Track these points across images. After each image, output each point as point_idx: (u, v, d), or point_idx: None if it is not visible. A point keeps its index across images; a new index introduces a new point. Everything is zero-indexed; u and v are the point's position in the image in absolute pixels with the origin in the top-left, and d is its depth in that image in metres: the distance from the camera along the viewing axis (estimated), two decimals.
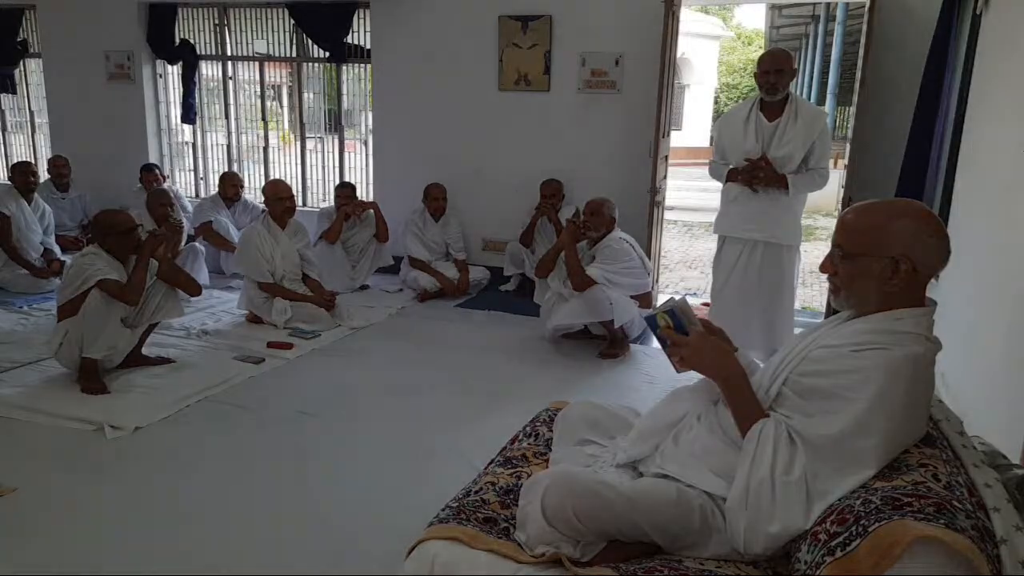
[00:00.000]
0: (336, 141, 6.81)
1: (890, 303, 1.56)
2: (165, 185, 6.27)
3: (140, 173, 6.20)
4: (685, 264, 8.10)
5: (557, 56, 5.41)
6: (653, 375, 3.85)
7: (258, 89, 7.08)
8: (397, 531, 2.04)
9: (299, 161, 6.90)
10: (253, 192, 6.76)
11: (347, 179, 6.39)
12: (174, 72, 7.00)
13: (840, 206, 5.42)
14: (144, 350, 3.76)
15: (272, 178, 6.09)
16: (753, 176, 3.81)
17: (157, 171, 6.29)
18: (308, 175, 6.92)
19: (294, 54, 6.73)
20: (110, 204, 4.86)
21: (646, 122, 4.99)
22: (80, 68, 6.90)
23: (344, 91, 6.70)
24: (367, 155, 6.58)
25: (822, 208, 11.32)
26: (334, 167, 6.80)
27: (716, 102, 24.71)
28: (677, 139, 11.46)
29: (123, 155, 6.79)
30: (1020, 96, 2.84)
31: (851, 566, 1.26)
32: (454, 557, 1.64)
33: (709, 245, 8.30)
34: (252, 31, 6.71)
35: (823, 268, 1.67)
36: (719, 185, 4.11)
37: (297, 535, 2.33)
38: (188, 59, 6.75)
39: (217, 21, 6.73)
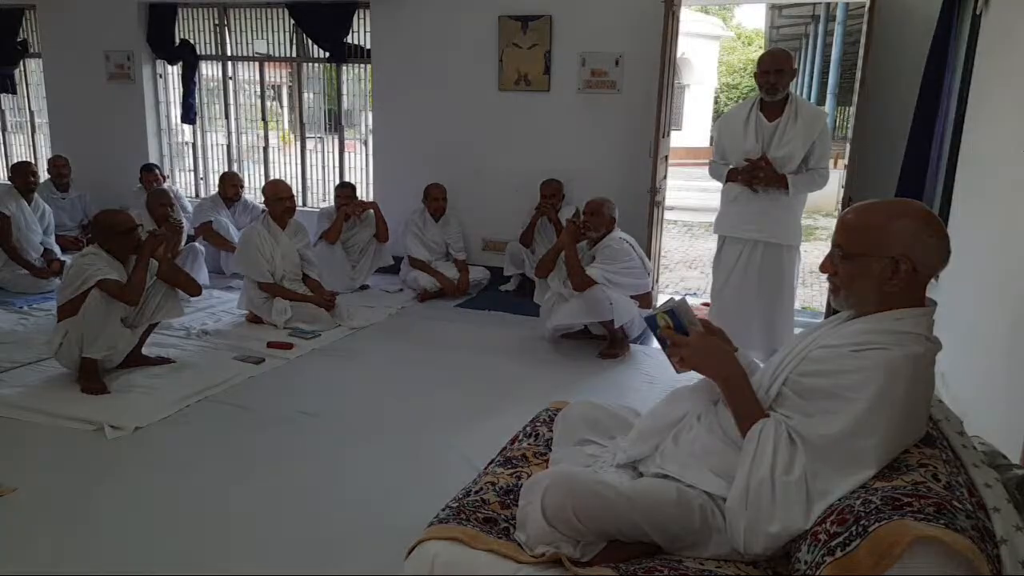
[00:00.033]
0: (336, 141, 6.81)
1: (890, 303, 1.56)
2: (165, 185, 6.27)
3: (140, 173, 6.20)
4: (685, 264, 8.10)
5: (557, 56, 5.41)
6: (653, 375, 3.85)
7: (258, 89, 7.08)
8: (397, 531, 2.03)
9: (299, 161, 6.90)
10: (253, 192, 6.76)
11: (347, 179, 6.39)
12: (174, 72, 7.01)
13: (840, 206, 5.42)
14: (144, 350, 3.76)
15: (272, 178, 6.09)
16: (753, 176, 3.81)
17: (157, 171, 6.29)
18: (308, 175, 6.92)
19: (294, 54, 6.73)
20: (110, 204, 4.86)
21: (646, 122, 4.99)
22: (80, 68, 6.91)
23: (344, 91, 6.70)
24: (367, 155, 6.58)
25: (822, 208, 11.32)
26: (334, 167, 6.80)
27: (716, 102, 24.71)
28: (677, 139, 11.46)
29: (123, 155, 6.79)
30: (1020, 96, 2.84)
31: (851, 566, 1.26)
32: (454, 557, 1.64)
33: (709, 245, 8.30)
34: (252, 31, 6.72)
35: (823, 268, 1.67)
36: (719, 185, 4.11)
37: (297, 535, 2.33)
38: (188, 59, 6.75)
39: (217, 21, 6.73)
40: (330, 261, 5.25)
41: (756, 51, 25.21)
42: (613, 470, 1.87)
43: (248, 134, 7.25)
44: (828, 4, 12.44)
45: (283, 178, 6.03)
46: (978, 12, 3.69)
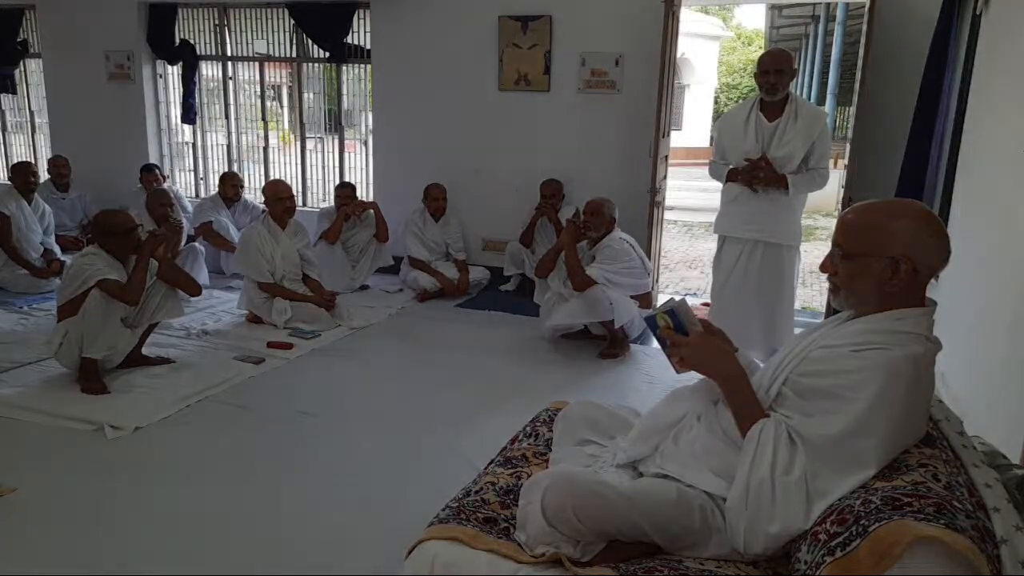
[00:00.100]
0: (336, 141, 6.81)
1: (890, 303, 1.56)
2: (165, 185, 6.27)
3: (140, 173, 6.20)
4: (685, 264, 8.10)
5: (557, 56, 5.41)
6: (653, 375, 3.85)
7: (258, 89, 7.09)
8: (397, 531, 2.04)
9: (299, 161, 6.90)
10: (253, 192, 6.76)
11: (347, 179, 6.39)
12: (174, 72, 7.01)
13: (840, 206, 5.42)
14: (144, 350, 3.76)
15: (272, 178, 6.10)
16: (753, 176, 3.81)
17: (157, 171, 6.29)
18: (308, 175, 6.92)
19: (294, 54, 6.73)
20: (110, 204, 4.86)
21: (646, 122, 4.99)
22: (80, 68, 6.91)
23: (344, 91, 6.70)
24: (367, 155, 6.58)
25: (822, 208, 11.32)
26: (334, 167, 6.79)
27: (716, 102, 24.72)
28: (677, 139, 11.47)
29: (123, 155, 6.79)
30: (1020, 96, 2.84)
31: (851, 566, 1.26)
32: (454, 557, 1.64)
33: (709, 245, 8.30)
34: (252, 31, 6.72)
35: (823, 268, 1.67)
36: (719, 185, 4.11)
37: (297, 535, 2.33)
38: (188, 59, 6.75)
39: (217, 21, 6.73)
40: (330, 261, 5.25)
41: (756, 51, 25.22)
42: (613, 470, 1.87)
43: (248, 134, 7.25)
44: (828, 4, 12.44)
45: (283, 178, 6.03)
46: (978, 12, 3.69)
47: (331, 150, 6.92)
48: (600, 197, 4.24)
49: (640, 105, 5.14)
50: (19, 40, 7.38)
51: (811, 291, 6.68)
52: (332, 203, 5.65)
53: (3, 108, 8.09)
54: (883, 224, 1.55)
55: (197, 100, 6.89)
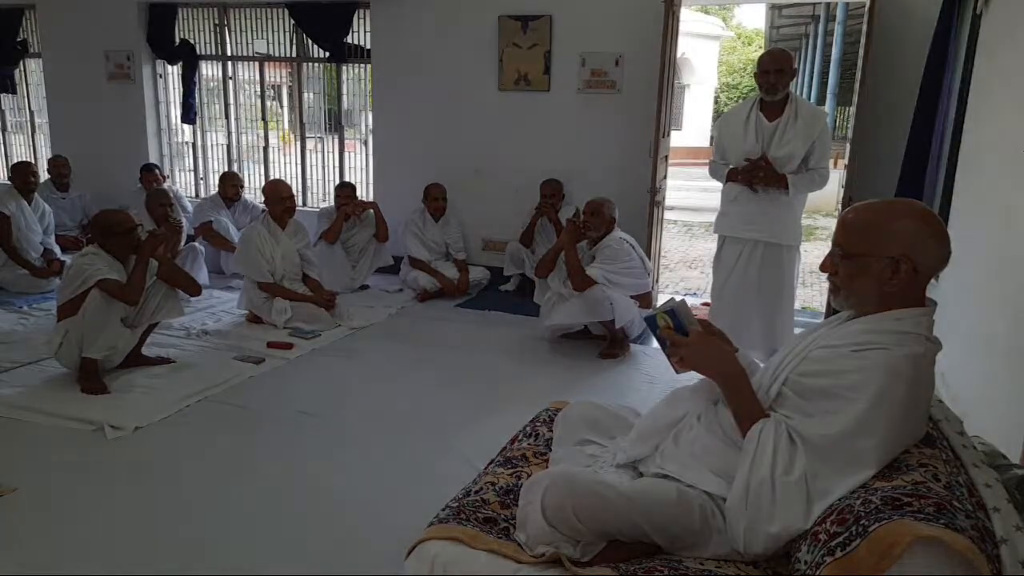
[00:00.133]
0: (336, 141, 6.81)
1: (890, 303, 1.56)
2: (165, 185, 6.27)
3: (140, 173, 6.20)
4: (685, 264, 8.10)
5: (557, 56, 5.41)
6: (653, 375, 3.85)
7: (258, 89, 7.08)
8: (397, 531, 2.04)
9: (299, 161, 6.89)
10: (253, 192, 6.76)
11: (347, 179, 6.38)
12: (174, 72, 7.00)
13: (840, 206, 5.42)
14: (144, 350, 3.76)
15: (272, 178, 6.09)
16: (753, 176, 3.81)
17: (157, 171, 6.29)
18: (308, 175, 6.92)
19: (294, 54, 6.73)
20: (110, 204, 4.86)
21: (646, 122, 4.99)
22: (80, 68, 6.91)
23: (344, 91, 6.70)
24: (367, 155, 6.58)
25: (822, 208, 11.32)
26: (334, 167, 6.79)
27: (716, 102, 24.72)
28: (677, 139, 11.46)
29: (123, 155, 6.79)
30: (1020, 96, 2.84)
31: (851, 566, 1.26)
32: (454, 557, 1.64)
33: (709, 245, 8.30)
34: (252, 31, 6.71)
35: (823, 268, 1.67)
36: (719, 185, 4.11)
37: (297, 535, 2.33)
38: (188, 59, 6.75)
39: (217, 21, 6.73)
40: (330, 261, 5.25)
41: (756, 51, 25.22)
42: (613, 470, 1.87)
43: (248, 134, 7.25)
44: (828, 4, 12.44)
45: (283, 178, 6.03)
46: (978, 12, 3.69)
47: (331, 150, 6.92)
48: (600, 197, 4.24)
49: (640, 105, 5.14)
50: (19, 40, 7.38)
51: (811, 291, 6.68)
52: (332, 203, 5.65)
53: (3, 108, 8.09)
54: (883, 224, 1.55)
55: (197, 100, 6.89)
